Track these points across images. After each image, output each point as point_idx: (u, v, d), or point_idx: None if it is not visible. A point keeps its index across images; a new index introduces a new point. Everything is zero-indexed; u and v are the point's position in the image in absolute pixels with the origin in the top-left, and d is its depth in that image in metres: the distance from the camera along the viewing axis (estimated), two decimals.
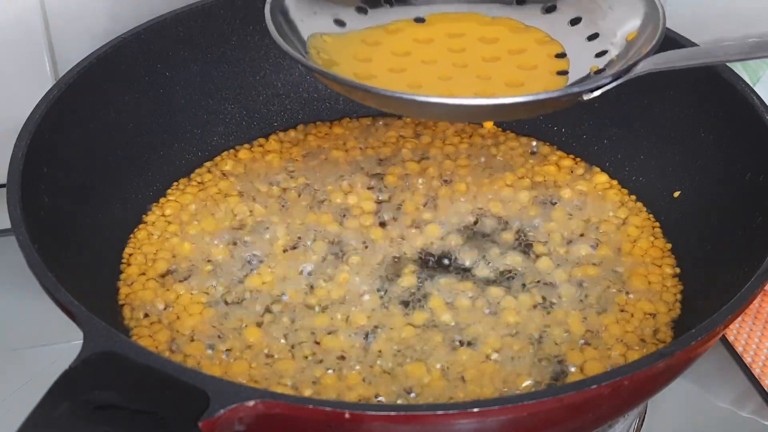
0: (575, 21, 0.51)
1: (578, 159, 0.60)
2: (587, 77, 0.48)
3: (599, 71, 0.47)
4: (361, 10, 0.53)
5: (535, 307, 0.51)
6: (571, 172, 0.59)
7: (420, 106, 0.46)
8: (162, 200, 0.57)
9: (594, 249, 0.54)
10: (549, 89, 0.47)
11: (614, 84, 0.45)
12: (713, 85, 0.54)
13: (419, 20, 0.52)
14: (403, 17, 0.53)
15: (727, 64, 0.54)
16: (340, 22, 0.52)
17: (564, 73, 0.49)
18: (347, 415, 0.37)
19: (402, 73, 0.49)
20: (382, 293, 0.51)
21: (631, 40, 0.48)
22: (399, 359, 0.48)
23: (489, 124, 0.62)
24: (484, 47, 0.51)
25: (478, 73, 0.49)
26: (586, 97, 0.45)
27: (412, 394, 0.46)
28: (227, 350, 0.49)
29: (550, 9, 0.52)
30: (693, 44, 0.56)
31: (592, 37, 0.50)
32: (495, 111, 0.48)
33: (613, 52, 0.48)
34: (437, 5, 0.53)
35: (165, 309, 0.51)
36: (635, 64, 0.45)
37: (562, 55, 0.50)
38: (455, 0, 0.53)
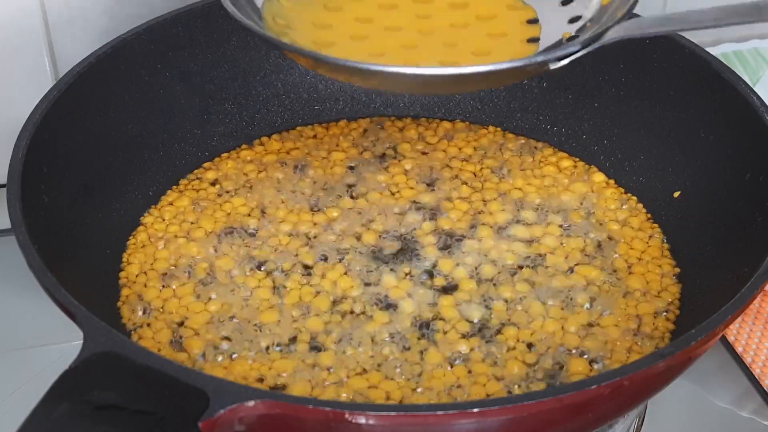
0: None
1: (578, 159, 0.60)
2: (558, 44, 0.45)
3: (571, 38, 0.46)
4: None
5: (534, 308, 0.51)
6: (571, 172, 0.59)
7: (375, 76, 0.43)
8: (162, 200, 0.57)
9: (594, 249, 0.54)
10: (517, 58, 0.45)
11: (582, 52, 0.43)
12: (713, 85, 0.54)
13: None
14: None
15: (720, 57, 0.54)
16: None
17: (535, 40, 0.47)
18: (347, 415, 0.37)
19: (364, 40, 0.46)
20: (382, 297, 0.51)
21: (606, 4, 0.46)
22: (400, 359, 0.48)
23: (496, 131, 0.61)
24: (452, 13, 0.48)
25: (444, 40, 0.47)
26: (552, 66, 0.43)
27: (420, 389, 0.46)
28: (227, 350, 0.49)
29: None
30: (692, 44, 0.56)
31: (566, 2, 0.48)
32: (457, 81, 0.45)
33: (587, 17, 0.46)
34: None
35: (165, 309, 0.51)
36: (605, 30, 0.43)
37: (534, 21, 0.48)
38: None
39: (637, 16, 0.46)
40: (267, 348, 0.49)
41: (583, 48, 0.43)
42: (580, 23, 0.46)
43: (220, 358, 0.48)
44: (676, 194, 0.56)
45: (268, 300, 0.51)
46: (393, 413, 0.37)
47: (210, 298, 0.51)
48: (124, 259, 0.54)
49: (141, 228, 0.55)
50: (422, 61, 0.46)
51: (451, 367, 0.48)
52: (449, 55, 0.46)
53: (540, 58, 0.44)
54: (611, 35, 0.43)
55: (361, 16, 0.48)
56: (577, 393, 0.38)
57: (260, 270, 0.53)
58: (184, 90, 0.59)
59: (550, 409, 0.38)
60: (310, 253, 0.54)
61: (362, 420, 0.37)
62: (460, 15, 0.48)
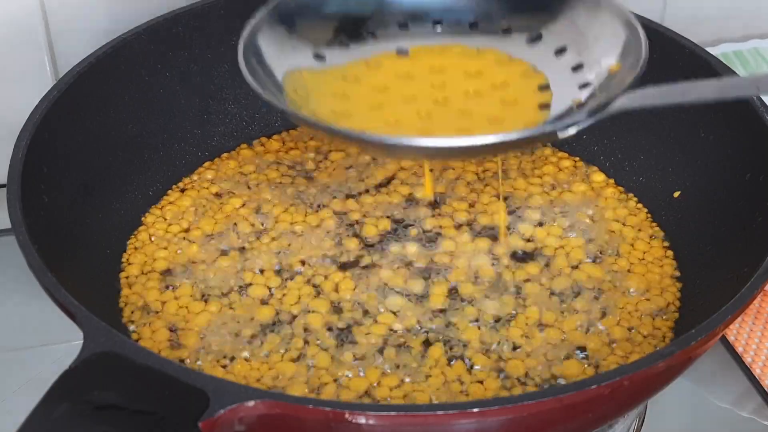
0: (561, 51, 0.50)
1: (578, 159, 0.60)
2: (568, 112, 0.46)
3: (581, 105, 0.47)
4: (343, 44, 0.51)
5: (534, 308, 0.51)
6: (571, 172, 0.59)
7: (389, 148, 0.45)
8: (162, 200, 0.57)
9: (594, 249, 0.54)
10: (529, 125, 0.46)
11: (589, 123, 0.44)
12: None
13: (402, 52, 0.51)
14: (386, 49, 0.51)
15: (720, 57, 0.55)
16: (320, 57, 0.50)
17: (547, 106, 0.48)
18: (347, 415, 0.37)
19: (381, 110, 0.48)
20: (381, 297, 0.51)
21: (614, 72, 0.47)
22: (400, 359, 0.48)
23: None
24: (467, 81, 0.49)
25: (459, 108, 0.48)
26: (561, 135, 0.44)
27: (419, 389, 0.46)
28: (228, 350, 0.49)
29: (535, 38, 0.50)
30: (692, 44, 0.56)
31: (577, 68, 0.49)
32: (469, 151, 0.47)
33: (596, 84, 0.47)
34: (421, 37, 0.51)
35: (165, 309, 0.51)
36: (612, 100, 0.44)
37: (546, 87, 0.49)
38: (440, 31, 0.52)
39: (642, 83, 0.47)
40: (267, 348, 0.49)
41: (590, 118, 0.44)
42: (589, 90, 0.47)
43: (220, 359, 0.48)
44: (676, 194, 0.56)
45: (268, 300, 0.51)
46: (393, 413, 0.37)
47: (210, 299, 0.51)
48: (124, 259, 0.54)
49: (141, 228, 0.55)
50: (438, 130, 0.47)
51: (451, 366, 0.48)
52: (464, 124, 0.47)
53: (549, 129, 0.45)
54: (618, 105, 0.44)
55: (378, 85, 0.49)
56: (577, 393, 0.38)
57: (260, 271, 0.53)
58: (184, 90, 0.59)
59: (550, 409, 0.38)
60: (311, 253, 0.54)
61: (362, 420, 0.37)
62: (474, 83, 0.49)
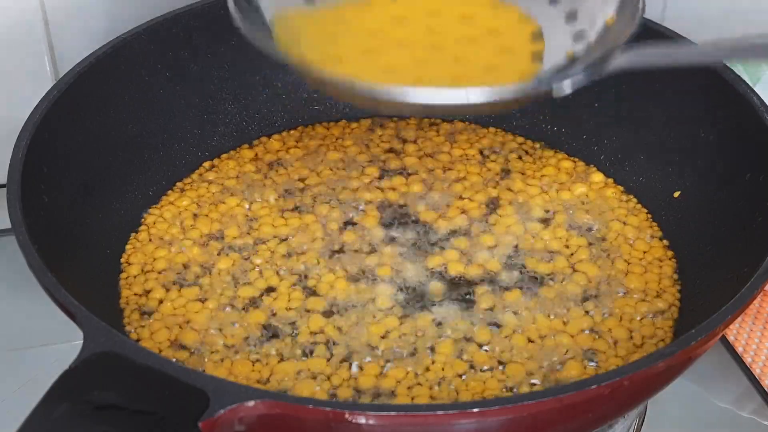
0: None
1: (578, 159, 0.60)
2: (562, 66, 0.45)
3: (574, 59, 0.46)
4: None
5: (534, 308, 0.51)
6: (571, 172, 0.59)
7: (381, 101, 0.44)
8: (162, 200, 0.57)
9: (594, 249, 0.54)
10: (523, 75, 0.45)
11: (585, 80, 0.43)
12: (713, 85, 0.54)
13: None
14: None
15: (725, 62, 0.54)
16: None
17: (540, 56, 0.47)
18: (347, 415, 0.37)
19: (372, 55, 0.46)
20: (386, 295, 0.51)
21: (610, 24, 0.46)
22: (400, 358, 0.48)
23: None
24: (460, 26, 0.48)
25: (453, 55, 0.47)
26: (556, 94, 0.43)
27: (419, 388, 0.46)
28: (228, 350, 0.49)
29: None
30: (691, 42, 0.56)
31: (571, 17, 0.48)
32: (463, 107, 0.46)
33: (591, 37, 0.46)
34: None
35: (165, 309, 0.51)
36: (609, 55, 0.43)
37: (539, 36, 0.48)
38: None
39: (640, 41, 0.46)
40: (268, 348, 0.49)
41: (586, 74, 0.43)
42: (584, 44, 0.46)
43: (220, 359, 0.48)
44: (676, 194, 0.56)
45: (268, 301, 0.51)
46: (393, 413, 0.37)
47: (209, 299, 0.51)
48: (124, 260, 0.54)
49: (141, 228, 0.55)
50: (432, 79, 0.46)
51: (452, 366, 0.48)
52: (458, 71, 0.46)
53: (544, 86, 0.44)
54: (616, 63, 0.43)
55: (371, 28, 0.48)
56: (577, 393, 0.38)
57: (260, 271, 0.53)
58: (184, 90, 0.59)
59: (550, 409, 0.38)
60: (311, 253, 0.54)
61: (362, 420, 0.37)
62: (467, 28, 0.48)
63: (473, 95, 0.43)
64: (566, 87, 0.43)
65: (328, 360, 0.48)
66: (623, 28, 0.45)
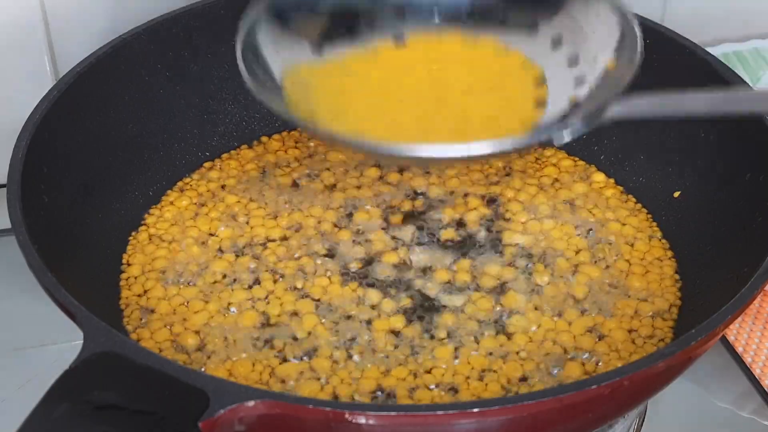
0: (557, 43, 0.50)
1: (578, 159, 0.60)
2: (564, 114, 0.47)
3: (577, 105, 0.47)
4: (340, 36, 0.51)
5: (535, 308, 0.51)
6: (571, 172, 0.59)
7: (386, 157, 0.47)
8: (162, 200, 0.57)
9: (594, 249, 0.54)
10: (526, 124, 0.46)
11: (585, 130, 0.45)
12: (713, 85, 0.54)
13: (400, 41, 0.51)
14: (384, 40, 0.51)
15: (720, 57, 0.55)
16: (317, 51, 0.50)
17: (543, 103, 0.48)
18: (347, 415, 0.37)
19: (378, 109, 0.48)
20: (385, 295, 0.51)
21: (611, 70, 0.47)
22: (408, 359, 0.48)
23: None
24: (464, 74, 0.49)
25: (456, 107, 0.48)
26: (557, 143, 0.45)
27: (419, 388, 0.46)
28: (228, 351, 0.49)
29: (533, 27, 0.50)
30: (692, 44, 0.56)
31: (573, 62, 0.49)
32: (464, 159, 0.49)
33: (592, 81, 0.47)
34: (419, 24, 0.51)
35: (165, 309, 0.51)
36: (608, 103, 0.45)
37: (542, 81, 0.49)
38: (437, 18, 0.51)
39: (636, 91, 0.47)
40: (269, 348, 0.49)
41: (585, 124, 0.45)
42: (585, 88, 0.47)
43: (220, 359, 0.48)
44: (676, 194, 0.56)
45: (269, 300, 0.51)
46: (393, 413, 0.37)
47: (210, 299, 0.51)
48: (125, 260, 0.54)
49: (141, 228, 0.55)
50: (435, 133, 0.47)
51: (452, 366, 0.48)
52: (461, 125, 0.47)
53: (544, 137, 0.46)
54: (612, 113, 0.45)
55: (377, 78, 0.49)
56: (577, 393, 0.38)
57: (260, 271, 0.53)
58: (184, 90, 0.59)
59: (550, 409, 0.38)
60: (312, 253, 0.54)
61: (362, 420, 0.37)
62: (471, 78, 0.50)
63: (475, 149, 0.44)
64: (566, 136, 0.45)
65: (329, 360, 0.48)
66: (622, 73, 0.46)
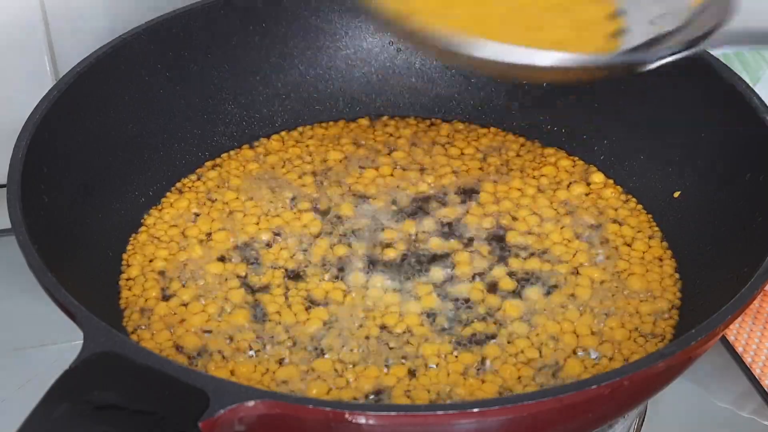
0: None
1: (577, 159, 0.60)
2: (650, 41, 0.44)
3: (658, 37, 0.44)
4: None
5: (535, 308, 0.51)
6: (571, 172, 0.59)
7: (455, 53, 0.43)
8: (162, 201, 0.57)
9: (593, 250, 0.54)
10: (599, 50, 0.44)
11: (675, 57, 0.42)
12: (713, 85, 0.54)
13: None
14: None
15: (720, 57, 0.54)
16: None
17: (617, 34, 0.46)
18: (347, 415, 0.37)
19: (449, 9, 0.46)
20: (385, 292, 0.51)
21: (698, 5, 0.45)
22: (405, 360, 0.48)
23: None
24: None
25: (530, 23, 0.46)
26: (641, 69, 0.42)
27: (419, 388, 0.46)
28: (228, 351, 0.49)
29: None
30: None
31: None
32: (533, 72, 0.45)
33: (675, 19, 0.45)
34: None
35: (165, 310, 0.51)
36: (703, 37, 0.42)
37: (617, 15, 0.46)
38: None
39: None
40: (269, 349, 0.49)
41: (675, 53, 0.43)
42: (668, 21, 0.45)
43: (220, 359, 0.48)
44: (676, 194, 0.56)
45: (268, 301, 0.51)
46: (393, 413, 0.37)
47: (210, 299, 0.51)
48: (125, 260, 0.54)
49: (141, 228, 0.55)
50: (509, 38, 0.44)
51: (452, 367, 0.48)
52: (534, 37, 0.45)
53: (634, 58, 0.43)
54: (707, 44, 0.43)
55: None
56: (577, 393, 0.38)
57: (261, 271, 0.53)
58: (184, 90, 0.59)
59: (550, 409, 0.38)
60: (312, 253, 0.54)
61: (362, 420, 0.37)
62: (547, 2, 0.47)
63: (549, 58, 0.42)
64: (652, 57, 0.42)
65: (329, 361, 0.48)
66: (715, 13, 0.44)
